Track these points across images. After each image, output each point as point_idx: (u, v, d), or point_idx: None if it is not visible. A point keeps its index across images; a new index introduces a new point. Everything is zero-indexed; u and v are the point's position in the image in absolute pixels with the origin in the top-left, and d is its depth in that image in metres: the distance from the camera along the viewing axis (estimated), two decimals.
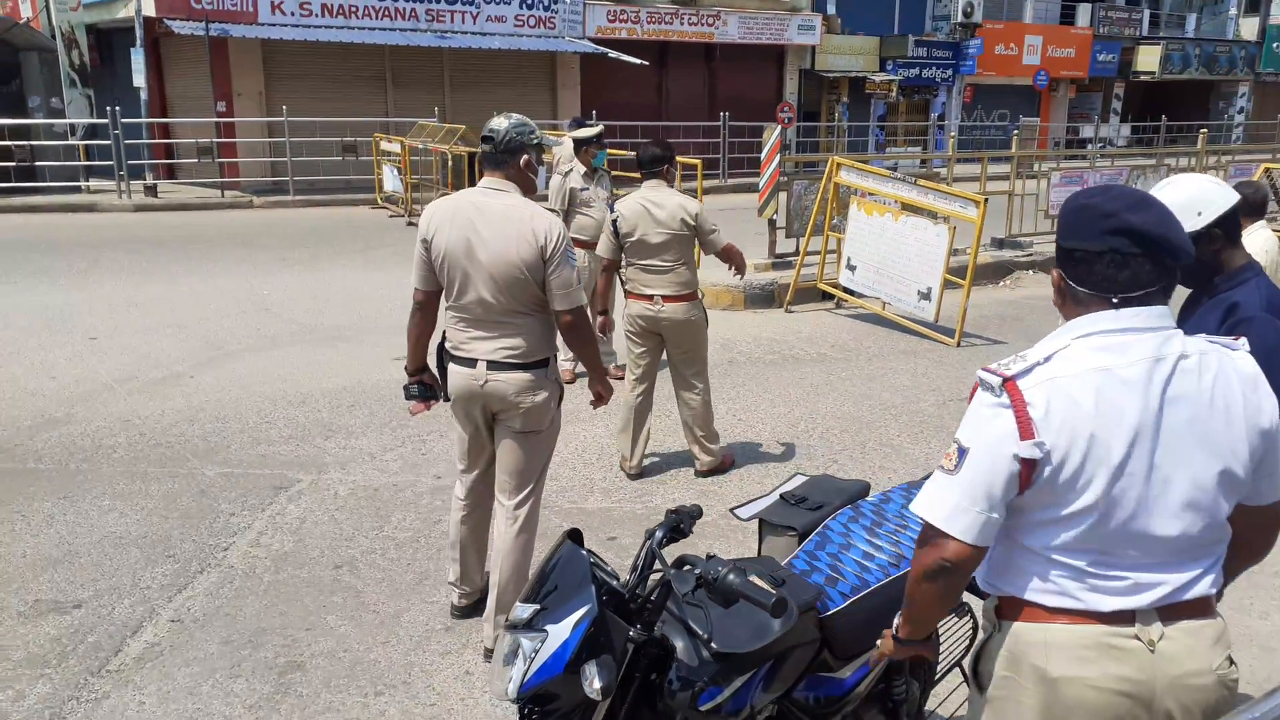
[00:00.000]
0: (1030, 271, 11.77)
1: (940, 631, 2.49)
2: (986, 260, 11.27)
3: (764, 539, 2.98)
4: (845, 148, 24.33)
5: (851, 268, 9.53)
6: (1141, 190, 1.92)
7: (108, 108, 16.48)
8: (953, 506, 1.82)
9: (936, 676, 2.93)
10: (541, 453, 3.72)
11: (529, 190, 3.58)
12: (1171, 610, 1.82)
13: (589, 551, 2.24)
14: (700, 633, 2.18)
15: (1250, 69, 32.78)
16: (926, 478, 2.05)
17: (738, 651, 2.23)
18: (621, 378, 7.16)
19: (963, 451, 1.82)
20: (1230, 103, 33.03)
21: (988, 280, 11.16)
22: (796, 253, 10.35)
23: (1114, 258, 1.81)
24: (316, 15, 18.27)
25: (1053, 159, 17.66)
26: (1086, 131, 29.46)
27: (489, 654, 3.68)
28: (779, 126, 10.71)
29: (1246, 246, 2.79)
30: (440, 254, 3.49)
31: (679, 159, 7.93)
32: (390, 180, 16.35)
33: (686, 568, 2.18)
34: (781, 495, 3.03)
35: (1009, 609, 1.92)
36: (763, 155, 10.48)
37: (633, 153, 14.89)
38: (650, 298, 5.22)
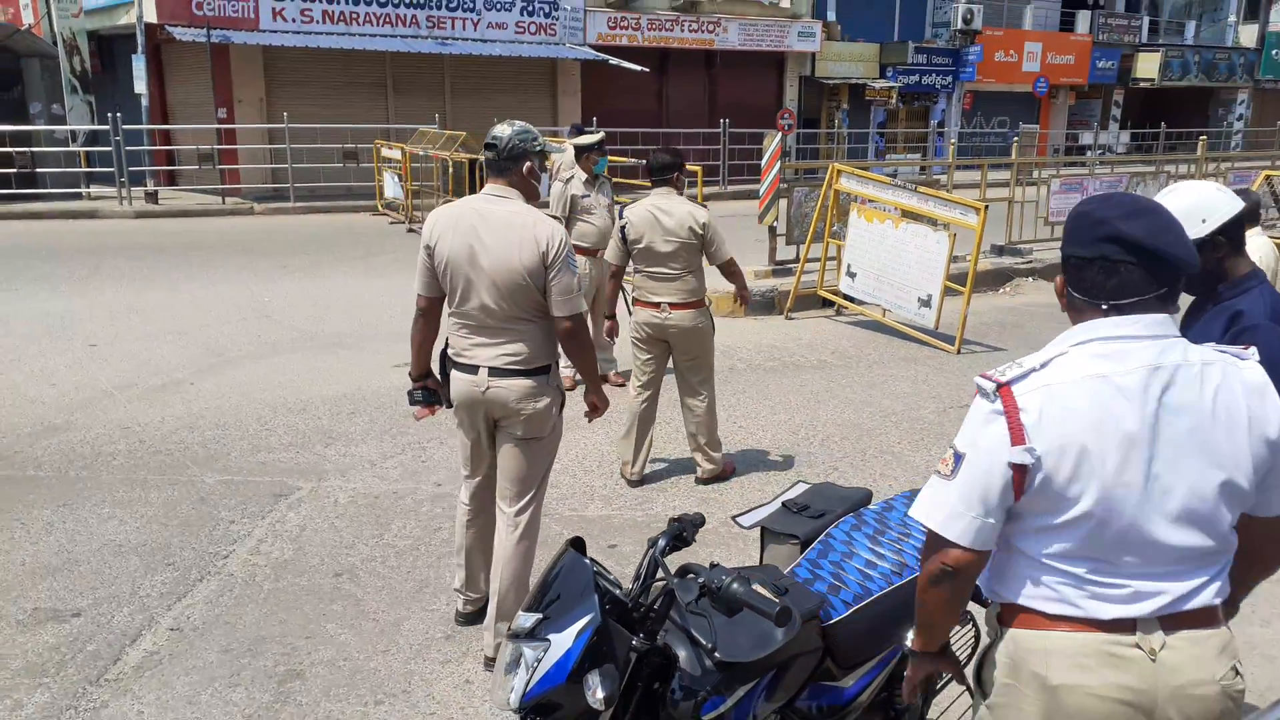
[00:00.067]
0: (1030, 278, 11.77)
1: None
2: (986, 267, 11.27)
3: (766, 547, 2.97)
4: (845, 154, 24.35)
5: (852, 275, 9.53)
6: (1146, 199, 1.91)
7: (109, 114, 16.52)
8: (949, 511, 1.83)
9: (938, 685, 2.92)
10: (543, 459, 3.72)
11: (532, 197, 3.60)
12: (1174, 620, 1.81)
13: (592, 560, 2.23)
14: (704, 642, 2.16)
15: (1249, 76, 32.82)
16: None
17: (741, 661, 2.22)
18: (621, 385, 7.17)
19: (959, 457, 1.84)
20: (1230, 110, 33.07)
21: (988, 287, 11.16)
22: (797, 260, 10.35)
23: (1103, 264, 1.82)
24: (317, 22, 18.30)
25: (1052, 166, 17.68)
26: (1086, 138, 29.51)
27: (489, 662, 3.67)
28: (779, 133, 10.72)
29: None
30: (443, 260, 3.50)
31: None
32: (391, 187, 16.36)
33: (690, 576, 2.18)
34: (783, 503, 3.02)
35: (1010, 616, 1.91)
36: (763, 162, 10.50)
37: (633, 159, 14.98)
38: (658, 305, 5.22)
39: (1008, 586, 1.91)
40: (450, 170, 14.59)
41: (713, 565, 2.18)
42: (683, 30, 22.46)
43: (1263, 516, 1.90)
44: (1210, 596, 1.83)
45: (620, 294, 5.78)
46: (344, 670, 3.68)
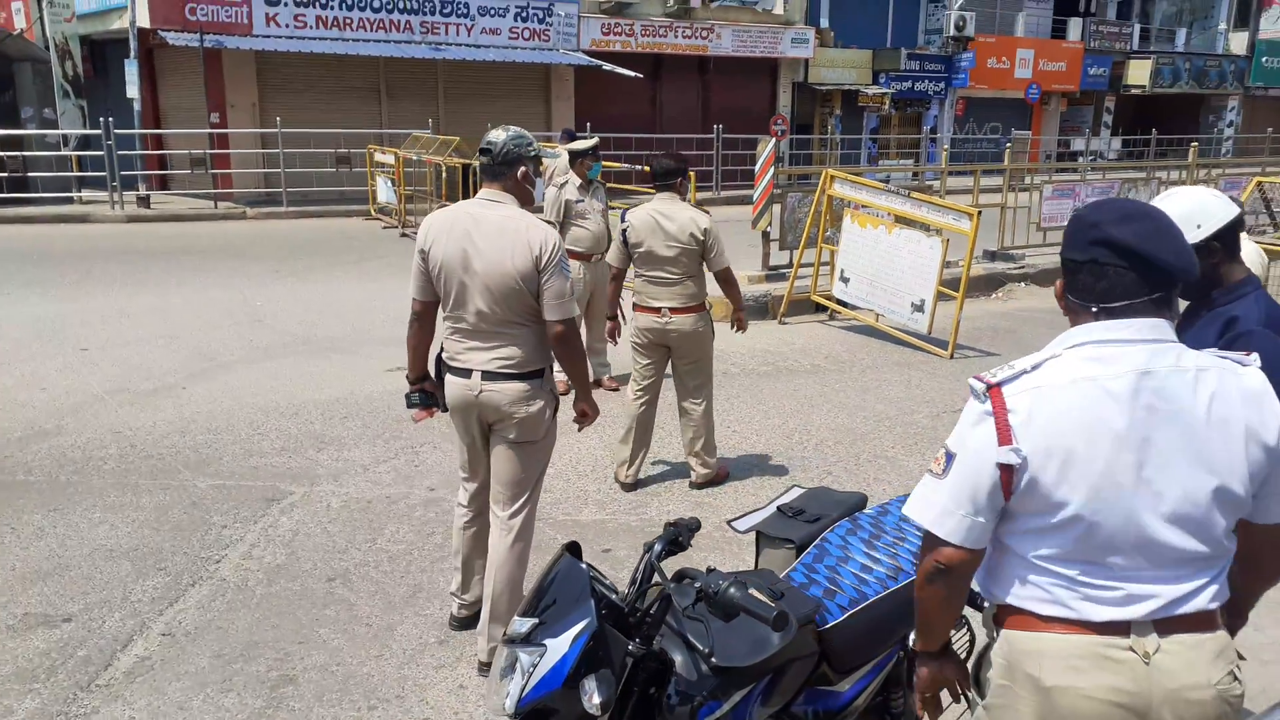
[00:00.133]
0: (1023, 284, 11.80)
1: None
2: (979, 272, 11.29)
3: (761, 551, 2.97)
4: (838, 160, 24.39)
5: (845, 280, 9.54)
6: (1145, 205, 1.92)
7: (101, 119, 16.47)
8: (940, 510, 1.86)
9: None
10: (536, 463, 3.72)
11: (526, 202, 3.61)
12: (1168, 623, 1.81)
13: (588, 565, 2.22)
14: (700, 647, 2.16)
15: (1240, 83, 32.99)
16: None
17: (737, 665, 2.22)
18: (615, 390, 7.17)
19: (950, 456, 1.86)
20: (1220, 116, 33.24)
21: (980, 292, 11.19)
22: (790, 265, 10.36)
23: (1093, 267, 1.84)
24: (311, 27, 18.29)
25: (1044, 172, 17.72)
26: (1078, 145, 29.59)
27: (483, 667, 3.66)
28: (773, 139, 10.74)
29: None
30: (437, 265, 3.52)
31: None
32: (384, 192, 16.35)
33: (686, 581, 2.17)
34: (779, 507, 3.02)
35: (1005, 617, 1.93)
36: (757, 167, 10.51)
37: (627, 165, 14.97)
38: (658, 310, 5.23)
39: (1002, 587, 1.92)
40: (444, 175, 14.58)
41: (709, 570, 2.18)
42: (676, 36, 22.50)
43: (1262, 524, 1.91)
44: (1206, 601, 1.83)
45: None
46: (337, 675, 3.67)
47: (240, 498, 5.23)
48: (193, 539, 4.74)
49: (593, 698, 2.00)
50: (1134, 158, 26.73)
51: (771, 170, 10.35)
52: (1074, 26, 29.65)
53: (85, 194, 17.16)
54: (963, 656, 2.91)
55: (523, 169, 3.55)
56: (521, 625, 2.10)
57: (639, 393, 5.41)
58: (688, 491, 5.47)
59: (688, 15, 22.57)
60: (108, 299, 10.04)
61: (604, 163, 7.98)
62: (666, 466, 5.82)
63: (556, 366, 3.72)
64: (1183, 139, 22.55)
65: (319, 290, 10.84)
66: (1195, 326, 2.67)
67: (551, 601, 2.12)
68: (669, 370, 5.46)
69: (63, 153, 17.50)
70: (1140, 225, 1.83)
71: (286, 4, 17.94)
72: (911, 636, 2.09)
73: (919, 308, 8.73)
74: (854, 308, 9.66)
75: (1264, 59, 33.00)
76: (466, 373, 3.55)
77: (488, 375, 3.52)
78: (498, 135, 3.54)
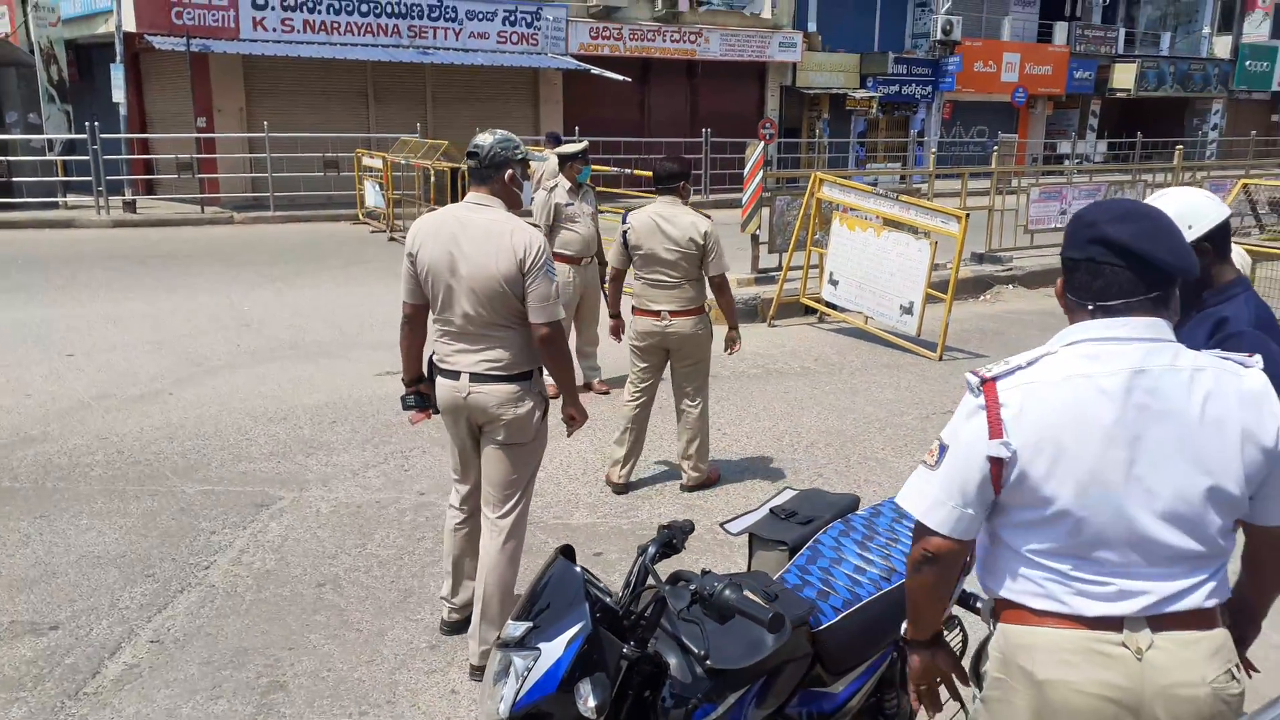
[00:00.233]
0: (1010, 286, 11.85)
1: None
2: (967, 275, 11.34)
3: (754, 553, 2.96)
4: (826, 164, 24.48)
5: (834, 282, 9.56)
6: (1145, 205, 1.93)
7: (86, 123, 16.37)
8: (931, 500, 1.90)
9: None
10: (527, 465, 3.72)
11: (514, 205, 3.63)
12: (1162, 620, 1.82)
13: (582, 568, 2.21)
14: (695, 649, 2.15)
15: (1224, 86, 33.25)
16: None
17: (731, 668, 2.21)
18: (605, 393, 7.16)
19: (943, 448, 1.90)
20: (1204, 119, 33.48)
21: (968, 295, 11.23)
22: (779, 268, 10.37)
23: (1090, 266, 1.86)
24: (298, 31, 18.24)
25: (1031, 175, 17.81)
26: (1064, 148, 29.72)
27: (475, 671, 3.64)
28: (762, 143, 10.75)
29: None
30: (425, 268, 3.54)
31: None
32: (372, 196, 16.30)
33: (681, 583, 2.17)
34: (771, 509, 3.02)
35: (1001, 610, 1.95)
36: (745, 171, 10.52)
37: (615, 169, 14.90)
38: (657, 313, 5.22)
39: (997, 581, 1.94)
40: (432, 179, 14.55)
41: (704, 572, 2.17)
42: (664, 40, 22.53)
43: (1262, 525, 1.91)
44: (1201, 599, 1.83)
45: (605, 300, 5.77)
46: (328, 681, 3.64)
47: (229, 503, 5.20)
48: (181, 545, 4.71)
49: (588, 701, 2.00)
50: (1119, 161, 26.88)
51: (761, 173, 10.37)
52: (1060, 30, 29.83)
53: (71, 199, 17.06)
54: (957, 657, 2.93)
55: (510, 172, 3.57)
56: (515, 629, 2.09)
57: (636, 394, 5.40)
58: (679, 494, 5.46)
59: (676, 19, 22.61)
60: (94, 304, 9.97)
61: (593, 167, 7.97)
62: (658, 469, 5.81)
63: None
64: (1168, 142, 22.70)
65: (307, 295, 10.80)
66: (1185, 327, 2.68)
67: (545, 605, 2.12)
68: (665, 374, 5.45)
69: (48, 157, 17.39)
70: (1137, 224, 1.84)
71: (274, 8, 17.89)
72: (903, 627, 2.10)
73: (908, 310, 8.76)
74: (843, 310, 9.68)
75: (1247, 62, 33.28)
76: (455, 375, 3.57)
77: (476, 377, 3.54)
78: (484, 139, 3.55)
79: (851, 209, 9.46)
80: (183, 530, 4.87)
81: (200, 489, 5.38)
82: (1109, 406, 1.79)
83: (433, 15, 19.49)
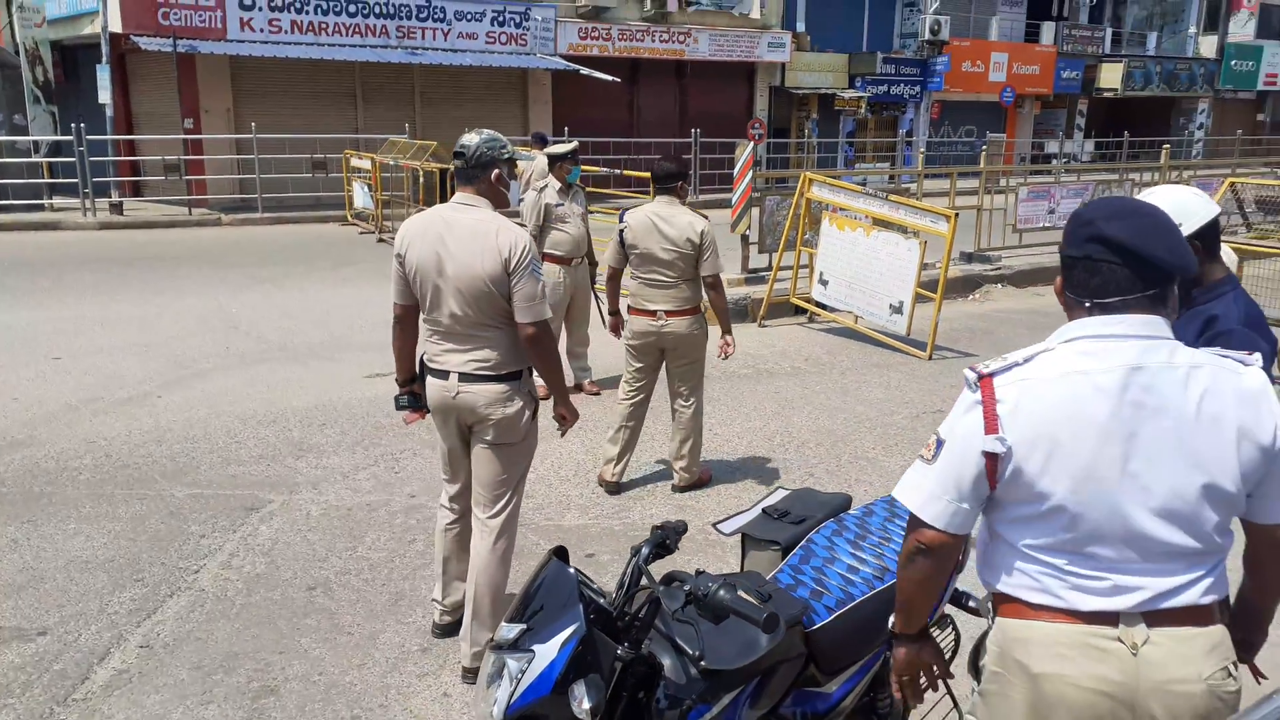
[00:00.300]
0: (999, 285, 11.88)
1: None
2: (956, 274, 11.37)
3: (747, 554, 2.96)
4: (815, 164, 24.50)
5: (824, 282, 9.57)
6: (1143, 203, 1.94)
7: (72, 125, 16.28)
8: (927, 494, 1.91)
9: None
10: (516, 465, 3.71)
11: (500, 204, 3.63)
12: (1158, 616, 1.82)
13: (576, 569, 2.20)
14: (689, 650, 2.15)
15: (1210, 86, 33.44)
16: None
17: (725, 668, 2.21)
18: (596, 394, 7.15)
19: (940, 443, 1.92)
20: (1190, 119, 33.66)
21: (957, 294, 11.26)
22: (769, 268, 10.39)
23: (1087, 263, 1.87)
24: (286, 32, 18.16)
25: (1019, 174, 17.88)
26: (1051, 147, 29.88)
27: (467, 674, 3.63)
28: (751, 143, 10.76)
29: None
30: (413, 268, 3.54)
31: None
32: (360, 197, 16.25)
33: (675, 584, 2.16)
34: (763, 509, 3.02)
35: (999, 604, 1.96)
36: (735, 171, 10.53)
37: (604, 169, 14.91)
38: (654, 313, 5.21)
39: (995, 575, 1.96)
40: (421, 180, 14.51)
41: (698, 573, 2.17)
42: (653, 40, 22.53)
43: (1260, 523, 1.91)
44: (1197, 595, 1.84)
45: (596, 300, 5.76)
46: (319, 685, 3.62)
47: (218, 507, 5.17)
48: (170, 549, 4.68)
49: (582, 703, 1.99)
50: (1107, 160, 26.99)
51: (750, 174, 10.37)
52: (1047, 30, 29.95)
53: (57, 201, 16.97)
54: (946, 656, 2.93)
55: (496, 172, 3.57)
56: (509, 631, 2.08)
57: (631, 394, 5.40)
58: (671, 495, 5.45)
59: (665, 19, 22.62)
60: (80, 307, 9.91)
61: (582, 167, 7.96)
62: (650, 471, 5.81)
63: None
64: (1154, 141, 22.81)
65: (296, 296, 10.76)
66: (1175, 325, 2.69)
67: (539, 607, 2.11)
68: (660, 375, 5.45)
69: (34, 159, 17.29)
70: (1133, 222, 1.85)
71: (261, 8, 17.82)
72: (891, 619, 2.11)
73: (897, 309, 8.77)
74: (833, 310, 9.69)
75: (1233, 62, 33.48)
76: (444, 374, 3.57)
77: (464, 377, 3.54)
78: (471, 139, 3.55)
79: (841, 209, 9.47)
80: (172, 534, 4.84)
81: (189, 492, 5.35)
82: (1104, 403, 1.79)
83: (421, 16, 19.44)
